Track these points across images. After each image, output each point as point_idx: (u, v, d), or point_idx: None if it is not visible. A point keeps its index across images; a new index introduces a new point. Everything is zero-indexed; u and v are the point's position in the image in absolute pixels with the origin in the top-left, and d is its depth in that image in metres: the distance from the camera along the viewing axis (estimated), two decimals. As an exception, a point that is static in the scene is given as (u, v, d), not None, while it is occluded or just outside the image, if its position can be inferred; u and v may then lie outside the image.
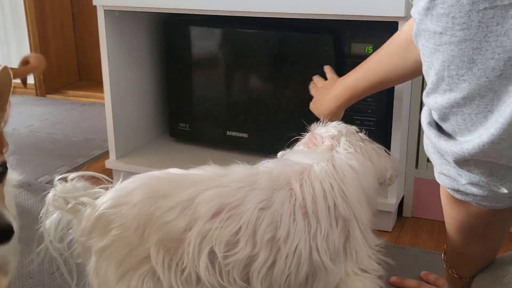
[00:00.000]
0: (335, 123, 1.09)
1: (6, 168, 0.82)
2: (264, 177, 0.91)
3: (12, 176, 1.42)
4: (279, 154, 1.08)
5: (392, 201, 1.46)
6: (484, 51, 0.63)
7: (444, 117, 0.70)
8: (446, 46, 0.66)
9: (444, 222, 0.93)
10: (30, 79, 2.87)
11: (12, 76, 0.83)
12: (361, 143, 1.03)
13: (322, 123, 1.10)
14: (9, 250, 0.90)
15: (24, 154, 2.01)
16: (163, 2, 1.56)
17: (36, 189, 1.73)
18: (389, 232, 1.48)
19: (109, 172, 1.77)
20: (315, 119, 1.15)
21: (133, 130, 1.83)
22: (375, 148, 1.06)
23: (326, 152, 1.01)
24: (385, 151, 1.09)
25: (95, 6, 1.62)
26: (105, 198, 0.88)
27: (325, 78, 1.35)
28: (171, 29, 1.79)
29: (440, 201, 0.88)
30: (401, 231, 1.49)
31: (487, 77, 0.63)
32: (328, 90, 1.26)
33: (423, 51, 0.70)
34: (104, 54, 1.67)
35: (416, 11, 0.70)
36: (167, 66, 1.85)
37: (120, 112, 1.75)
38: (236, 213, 0.86)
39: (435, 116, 0.73)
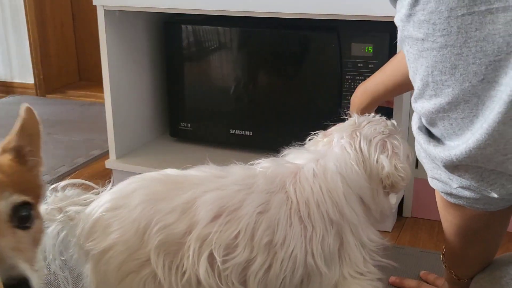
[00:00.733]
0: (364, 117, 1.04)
1: (33, 214, 0.69)
2: (261, 179, 0.91)
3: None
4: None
5: (392, 201, 1.46)
6: (465, 56, 0.63)
7: (432, 122, 0.71)
8: (428, 52, 0.66)
9: (443, 222, 0.93)
10: (30, 79, 2.88)
11: (37, 117, 0.77)
12: (360, 140, 0.98)
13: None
14: None
15: (24, 154, 2.01)
16: (163, 2, 1.56)
17: (36, 189, 1.73)
18: (389, 232, 1.48)
19: (109, 172, 1.77)
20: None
21: (133, 130, 1.83)
22: (390, 146, 0.99)
23: (317, 151, 1.00)
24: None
25: (95, 6, 1.62)
26: (103, 201, 0.87)
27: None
28: (171, 29, 1.79)
29: (440, 202, 0.88)
30: (401, 231, 1.49)
31: (470, 82, 0.64)
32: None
33: (408, 57, 0.71)
34: (104, 54, 1.66)
35: (398, 18, 0.71)
36: (167, 66, 1.85)
37: (120, 112, 1.75)
38: (235, 217, 0.86)
39: (424, 121, 0.73)
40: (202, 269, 0.83)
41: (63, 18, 2.97)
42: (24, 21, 2.81)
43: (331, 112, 1.53)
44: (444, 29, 0.64)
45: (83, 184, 0.92)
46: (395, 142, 1.00)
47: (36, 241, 0.69)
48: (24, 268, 0.61)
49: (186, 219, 0.84)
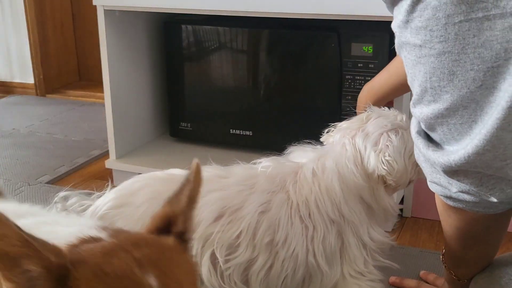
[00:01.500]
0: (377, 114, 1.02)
1: None
2: (262, 179, 0.91)
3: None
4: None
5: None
6: (463, 62, 0.63)
7: (431, 127, 0.71)
8: (426, 58, 0.66)
9: (443, 222, 0.93)
10: (30, 79, 2.88)
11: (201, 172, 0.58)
12: (358, 136, 0.97)
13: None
14: None
15: (24, 154, 2.01)
16: (163, 2, 1.56)
17: (36, 189, 1.73)
18: (389, 232, 1.48)
19: (109, 172, 1.77)
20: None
21: (133, 130, 1.83)
22: (383, 140, 0.96)
23: (321, 149, 1.00)
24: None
25: (95, 6, 1.62)
26: (107, 199, 0.87)
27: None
28: (171, 29, 1.79)
29: (440, 202, 0.88)
30: (401, 231, 1.49)
31: (468, 88, 0.64)
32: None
33: (406, 63, 0.71)
34: (104, 54, 1.67)
35: (396, 24, 0.71)
36: (167, 66, 1.85)
37: (120, 112, 1.75)
38: (237, 217, 0.86)
39: (423, 126, 0.73)
40: (205, 269, 0.83)
41: (63, 18, 2.97)
42: (24, 21, 2.81)
43: (331, 112, 1.54)
44: (442, 36, 0.64)
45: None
46: (392, 136, 0.96)
47: None
48: None
49: (189, 219, 0.84)
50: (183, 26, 1.75)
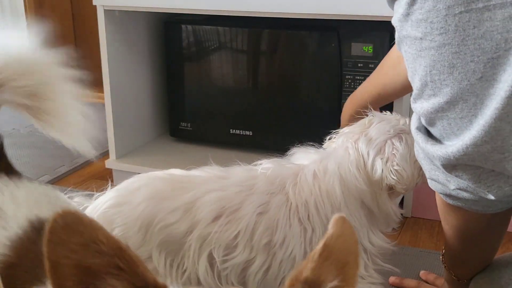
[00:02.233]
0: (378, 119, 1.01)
1: None
2: (262, 181, 0.91)
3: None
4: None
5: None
6: (463, 54, 0.63)
7: (431, 122, 0.70)
8: (427, 51, 0.66)
9: (443, 222, 0.93)
10: (30, 79, 2.88)
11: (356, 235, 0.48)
12: (362, 141, 0.97)
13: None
14: None
15: (24, 154, 2.01)
16: (163, 2, 1.56)
17: (36, 189, 1.73)
18: (389, 232, 1.48)
19: (109, 172, 1.77)
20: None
21: (133, 130, 1.83)
22: (388, 147, 0.96)
23: (323, 152, 1.00)
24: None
25: (95, 6, 1.62)
26: (107, 197, 0.88)
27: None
28: (171, 29, 1.79)
29: (440, 202, 0.88)
30: (401, 231, 1.49)
31: (468, 81, 0.63)
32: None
33: (406, 57, 0.71)
34: (104, 54, 1.66)
35: (396, 18, 0.70)
36: (167, 66, 1.85)
37: (120, 112, 1.75)
38: (235, 218, 0.86)
39: (423, 121, 0.73)
40: (202, 269, 0.83)
41: (63, 18, 2.97)
42: (24, 21, 2.81)
43: (331, 112, 1.54)
44: (442, 28, 0.63)
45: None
46: (396, 143, 0.96)
47: None
48: None
49: (188, 219, 0.84)
50: (183, 26, 1.75)
